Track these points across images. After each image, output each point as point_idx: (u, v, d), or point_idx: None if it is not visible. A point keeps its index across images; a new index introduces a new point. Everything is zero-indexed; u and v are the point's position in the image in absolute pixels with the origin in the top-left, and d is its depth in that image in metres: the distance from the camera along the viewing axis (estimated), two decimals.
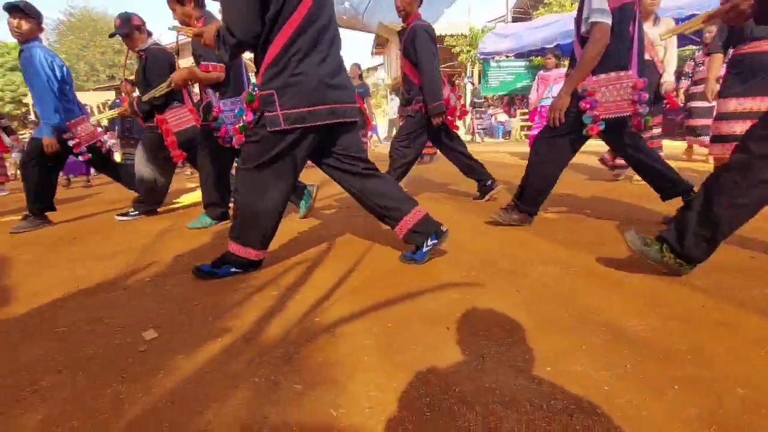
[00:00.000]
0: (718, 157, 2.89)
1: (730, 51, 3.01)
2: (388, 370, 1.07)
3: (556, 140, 2.10)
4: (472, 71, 13.93)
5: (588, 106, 1.92)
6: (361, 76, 6.74)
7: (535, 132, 5.42)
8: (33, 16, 2.82)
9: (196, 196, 3.59)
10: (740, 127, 2.70)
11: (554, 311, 1.32)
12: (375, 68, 20.19)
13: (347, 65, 2.56)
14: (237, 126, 2.29)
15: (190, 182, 5.55)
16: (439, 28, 11.02)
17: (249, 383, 1.05)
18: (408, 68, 2.93)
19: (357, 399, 0.96)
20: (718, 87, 3.08)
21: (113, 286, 1.79)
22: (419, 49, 2.76)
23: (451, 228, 1.86)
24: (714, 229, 1.37)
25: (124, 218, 3.21)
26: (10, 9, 2.75)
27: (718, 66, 3.27)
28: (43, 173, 3.02)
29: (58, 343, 1.30)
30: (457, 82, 12.14)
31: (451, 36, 12.61)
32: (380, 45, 24.84)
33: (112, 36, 2.96)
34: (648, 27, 3.17)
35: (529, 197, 2.23)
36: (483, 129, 12.21)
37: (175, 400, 1.00)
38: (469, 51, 12.42)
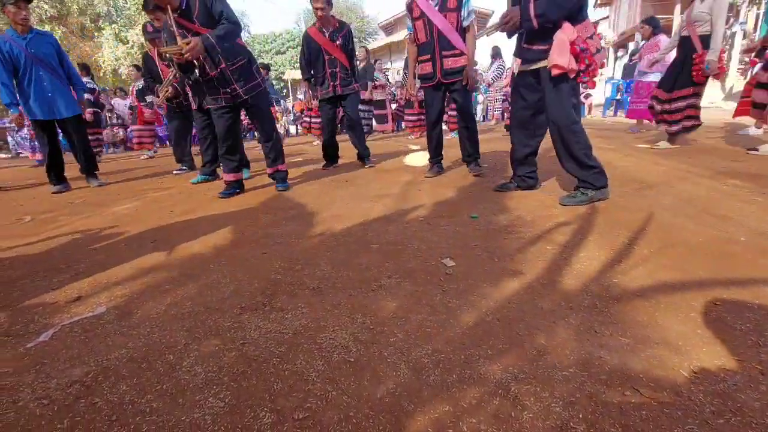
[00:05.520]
0: None
1: None
2: (735, 349, 0.94)
3: None
4: (747, 14, 10.47)
5: None
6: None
7: None
8: None
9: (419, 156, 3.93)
10: None
11: None
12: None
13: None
14: None
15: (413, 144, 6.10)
16: None
17: (565, 323, 1.09)
18: None
19: (710, 370, 0.88)
20: None
21: (391, 221, 2.14)
22: None
23: None
24: None
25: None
26: None
27: None
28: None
29: (381, 256, 1.64)
30: None
31: None
32: None
33: None
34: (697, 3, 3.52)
35: None
36: None
37: (501, 319, 1.13)
38: None
